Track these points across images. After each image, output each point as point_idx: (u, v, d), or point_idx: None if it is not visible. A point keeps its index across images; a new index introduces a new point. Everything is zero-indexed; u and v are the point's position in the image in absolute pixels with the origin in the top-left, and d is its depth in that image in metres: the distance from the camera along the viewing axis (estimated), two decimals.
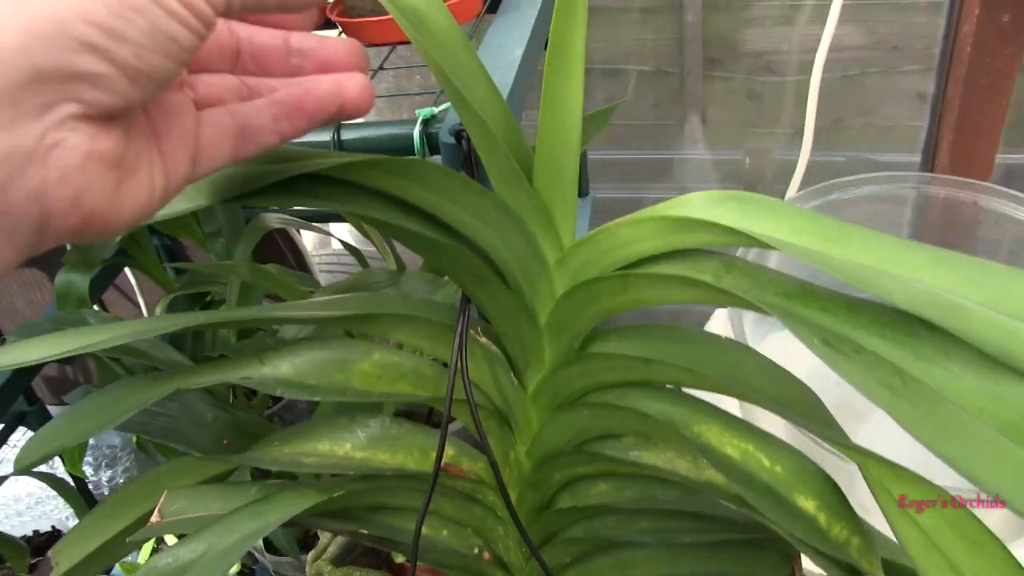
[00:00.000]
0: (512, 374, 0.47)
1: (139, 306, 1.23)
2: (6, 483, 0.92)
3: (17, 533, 1.26)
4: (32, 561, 1.09)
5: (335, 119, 0.38)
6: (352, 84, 0.37)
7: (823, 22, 1.02)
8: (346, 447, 0.49)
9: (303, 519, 0.48)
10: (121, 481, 1.37)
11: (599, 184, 1.36)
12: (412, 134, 0.51)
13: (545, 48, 0.69)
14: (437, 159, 0.51)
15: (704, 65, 1.27)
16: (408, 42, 0.65)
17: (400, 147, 0.52)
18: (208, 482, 0.53)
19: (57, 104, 0.26)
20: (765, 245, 0.38)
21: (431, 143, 0.51)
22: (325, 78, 0.37)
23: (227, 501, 0.50)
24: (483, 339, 0.47)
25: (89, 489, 1.14)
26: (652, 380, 0.45)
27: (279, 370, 0.48)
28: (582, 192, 1.06)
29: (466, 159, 0.47)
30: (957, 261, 0.36)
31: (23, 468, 0.53)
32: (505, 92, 0.51)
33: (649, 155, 1.36)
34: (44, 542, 1.19)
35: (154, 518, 0.50)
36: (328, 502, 0.47)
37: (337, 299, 0.47)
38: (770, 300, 0.40)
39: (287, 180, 0.41)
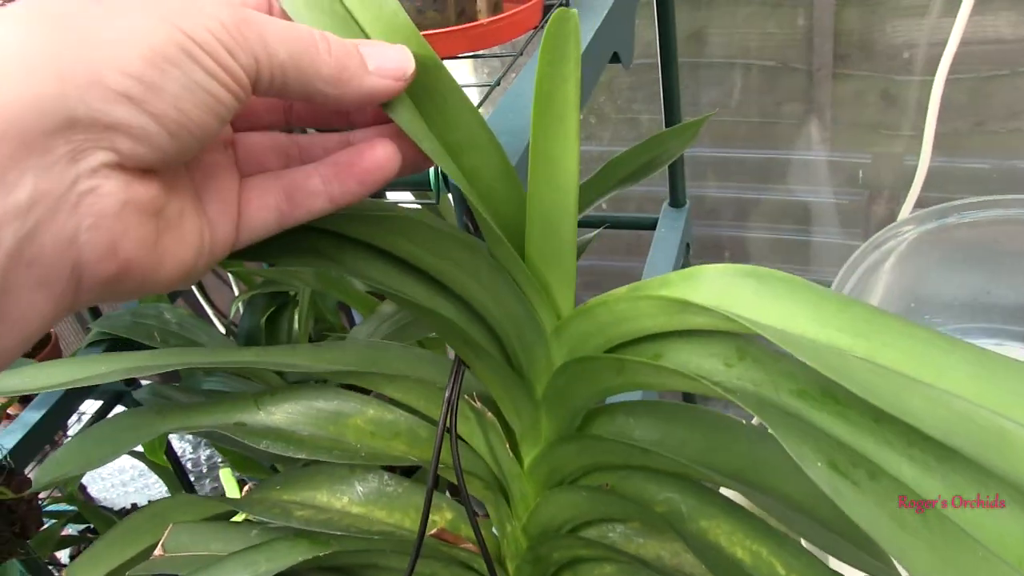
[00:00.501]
0: (508, 445, 0.43)
1: (233, 293, 1.25)
2: None
3: (119, 504, 1.32)
4: None
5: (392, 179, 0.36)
6: (410, 146, 0.35)
7: (967, 14, 0.91)
8: (343, 500, 0.47)
9: (294, 571, 0.46)
10: (220, 461, 1.41)
11: (706, 183, 1.30)
12: (428, 170, 0.47)
13: (613, 60, 0.64)
14: None
15: (833, 61, 1.18)
16: (464, 56, 0.61)
17: (418, 181, 0.48)
18: (212, 519, 0.52)
19: (91, 152, 0.25)
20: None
21: (448, 181, 0.48)
22: (382, 141, 0.35)
23: (227, 542, 0.49)
24: (478, 405, 0.43)
25: (185, 469, 1.18)
26: (656, 468, 0.40)
27: (273, 417, 0.46)
28: (679, 203, 1.00)
29: (468, 207, 0.43)
30: (1011, 369, 0.30)
31: (41, 487, 0.54)
32: (527, 136, 0.46)
33: (762, 154, 1.28)
34: None
35: (157, 551, 0.49)
36: (320, 557, 0.45)
37: (333, 349, 0.45)
38: (782, 400, 0.35)
39: None
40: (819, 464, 0.31)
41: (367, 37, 0.36)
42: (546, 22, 0.65)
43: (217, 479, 1.42)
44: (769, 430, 0.32)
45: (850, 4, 1.14)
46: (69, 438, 1.03)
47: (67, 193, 0.25)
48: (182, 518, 0.52)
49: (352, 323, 1.06)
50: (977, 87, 1.13)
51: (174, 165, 0.29)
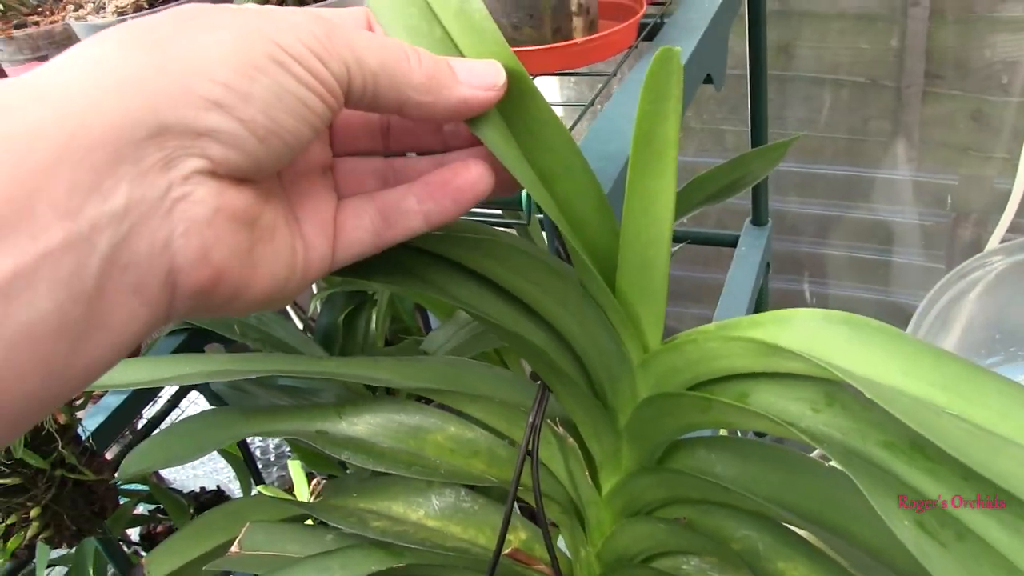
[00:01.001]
0: (587, 471, 0.43)
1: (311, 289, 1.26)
2: None
3: (188, 487, 1.34)
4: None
5: (486, 198, 0.36)
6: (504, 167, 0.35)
7: None
8: (419, 513, 0.47)
9: None
10: (288, 451, 1.43)
11: (788, 198, 1.28)
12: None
13: (706, 81, 0.64)
14: None
15: (924, 80, 1.16)
16: (563, 73, 0.61)
17: (510, 201, 0.49)
18: (288, 520, 0.53)
19: (183, 159, 0.26)
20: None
21: None
22: (475, 160, 0.35)
23: (302, 545, 0.50)
24: (560, 430, 0.43)
25: (253, 456, 1.19)
26: (735, 504, 0.40)
27: (354, 427, 0.46)
28: (761, 221, 0.99)
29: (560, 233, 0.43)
30: None
31: (126, 478, 0.56)
32: (624, 157, 0.46)
33: (846, 171, 1.26)
34: (209, 500, 1.25)
35: (234, 548, 0.50)
36: (393, 569, 0.45)
37: (415, 364, 0.45)
38: (869, 450, 0.35)
39: None
40: (906, 522, 0.30)
41: None
42: (644, 38, 0.65)
43: (284, 468, 1.44)
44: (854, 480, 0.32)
45: (946, 21, 1.11)
46: (144, 420, 1.06)
47: (161, 199, 0.25)
48: (258, 517, 0.53)
49: (427, 325, 1.07)
50: None
51: (268, 173, 0.29)
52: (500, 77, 0.34)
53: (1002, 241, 0.94)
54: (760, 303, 1.02)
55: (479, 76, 0.33)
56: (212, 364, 0.50)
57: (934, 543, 0.30)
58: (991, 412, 0.31)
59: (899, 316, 1.28)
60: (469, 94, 0.33)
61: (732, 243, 1.00)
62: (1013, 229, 0.98)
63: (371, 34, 0.31)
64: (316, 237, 0.33)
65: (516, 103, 0.35)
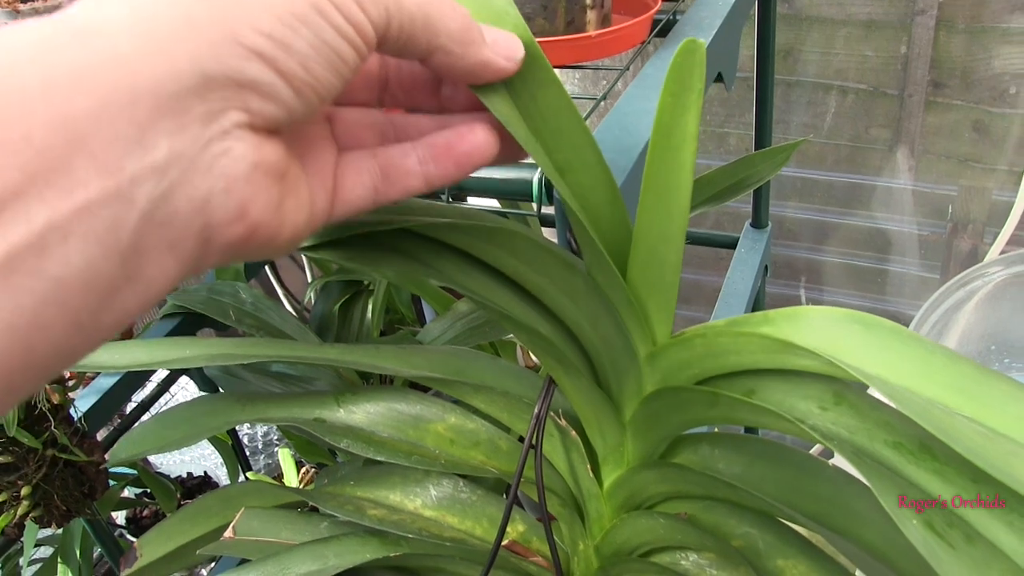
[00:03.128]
0: (589, 465, 0.43)
1: (305, 276, 1.26)
2: None
3: (175, 472, 1.33)
4: (180, 504, 1.14)
5: (487, 165, 0.36)
6: (508, 135, 0.35)
7: None
8: (416, 503, 0.47)
9: (360, 568, 0.46)
10: (276, 439, 1.42)
11: (787, 203, 1.28)
12: (532, 180, 0.47)
13: (716, 80, 0.64)
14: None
15: (928, 89, 1.16)
16: (578, 66, 0.61)
17: (520, 191, 0.48)
18: (283, 507, 0.53)
19: (224, 112, 0.25)
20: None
21: (551, 192, 0.47)
22: (481, 126, 0.35)
23: (296, 532, 0.49)
24: (563, 423, 0.43)
25: (241, 443, 1.19)
26: (737, 501, 0.40)
27: (353, 416, 0.46)
28: (761, 224, 0.99)
29: (572, 224, 0.43)
30: None
31: (117, 463, 0.55)
32: (636, 151, 0.46)
33: (846, 178, 1.26)
34: (195, 486, 1.24)
35: (228, 533, 0.50)
36: (388, 557, 0.45)
37: (419, 354, 0.45)
38: (876, 450, 0.34)
39: (370, 232, 0.39)
40: (914, 522, 0.30)
41: None
42: (657, 34, 0.65)
43: (271, 456, 1.43)
44: (861, 478, 0.31)
45: (953, 31, 1.11)
46: (134, 403, 1.05)
47: (201, 154, 0.25)
48: (253, 503, 0.52)
49: (422, 317, 1.06)
50: None
51: (296, 125, 0.29)
52: (520, 51, 0.33)
53: (1001, 253, 0.95)
54: (757, 307, 1.02)
55: (503, 44, 0.33)
56: (212, 348, 0.49)
57: (943, 544, 0.29)
58: (1005, 416, 0.31)
59: None
60: (491, 59, 0.32)
61: (731, 245, 0.99)
62: (1013, 242, 0.99)
63: None
64: (318, 188, 0.32)
65: (534, 89, 0.35)
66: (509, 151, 0.36)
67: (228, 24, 0.25)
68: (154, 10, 0.24)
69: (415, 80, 0.37)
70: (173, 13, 0.24)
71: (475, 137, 0.34)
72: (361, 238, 0.39)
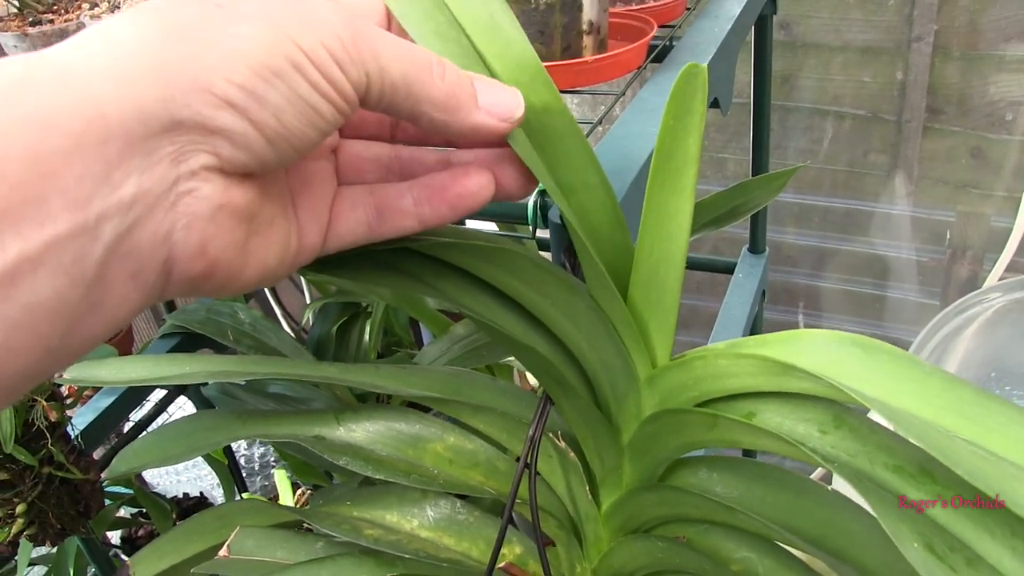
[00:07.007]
0: (587, 487, 0.43)
1: (304, 297, 1.26)
2: None
3: (171, 492, 1.33)
4: (175, 524, 1.14)
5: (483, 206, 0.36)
6: (508, 175, 0.35)
7: None
8: (413, 523, 0.47)
9: None
10: (273, 460, 1.42)
11: (785, 229, 1.28)
12: (527, 203, 0.47)
13: (712, 105, 0.64)
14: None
15: (925, 115, 1.16)
16: (575, 91, 0.61)
17: (516, 214, 0.48)
18: (279, 527, 0.52)
19: (194, 154, 0.26)
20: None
21: (547, 215, 0.48)
22: (476, 171, 0.35)
23: (292, 551, 0.49)
24: (561, 444, 0.43)
25: (238, 464, 1.19)
26: (735, 525, 0.40)
27: (353, 434, 0.46)
28: (758, 249, 0.99)
29: (569, 246, 0.43)
30: None
31: (114, 476, 0.55)
32: (631, 175, 0.46)
33: (844, 204, 1.26)
34: (191, 506, 1.24)
35: (223, 552, 0.49)
36: None
37: (417, 374, 0.45)
38: (877, 473, 0.34)
39: (369, 251, 0.39)
40: (915, 544, 0.30)
41: (491, 71, 0.37)
42: (652, 60, 0.65)
43: (267, 478, 1.43)
44: (861, 502, 0.31)
45: (950, 58, 1.12)
46: (131, 422, 1.05)
47: (167, 192, 0.26)
48: (249, 522, 0.52)
49: (419, 339, 1.06)
50: None
51: (272, 171, 0.30)
52: (519, 110, 0.34)
53: (1000, 279, 0.95)
54: (755, 332, 1.02)
55: (499, 105, 0.33)
56: (212, 364, 0.49)
57: (944, 567, 0.29)
58: (1006, 440, 0.31)
59: None
60: (483, 122, 0.33)
61: (728, 270, 1.00)
62: (1012, 268, 0.99)
63: (399, 41, 0.31)
64: (310, 223, 0.33)
65: (544, 119, 0.35)
66: (508, 191, 0.36)
67: (202, 73, 0.26)
68: (129, 53, 0.25)
69: None
70: (148, 59, 0.25)
71: (469, 181, 0.35)
72: (360, 256, 0.39)
